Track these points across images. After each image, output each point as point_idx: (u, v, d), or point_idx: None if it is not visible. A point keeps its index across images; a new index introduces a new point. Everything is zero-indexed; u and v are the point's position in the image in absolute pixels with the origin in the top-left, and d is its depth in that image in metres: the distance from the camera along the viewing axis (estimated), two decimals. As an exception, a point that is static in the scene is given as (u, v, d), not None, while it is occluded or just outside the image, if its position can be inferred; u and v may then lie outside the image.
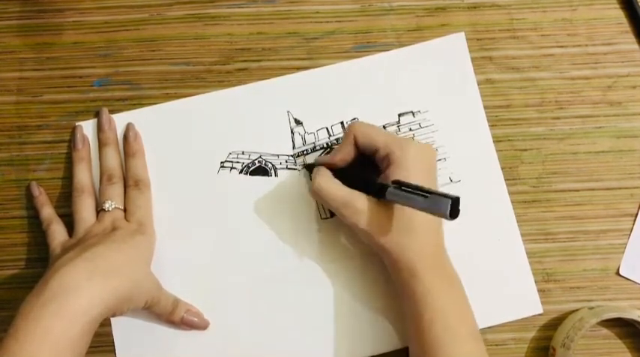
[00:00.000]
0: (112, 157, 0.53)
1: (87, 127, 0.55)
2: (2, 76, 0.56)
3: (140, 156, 0.54)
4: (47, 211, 0.53)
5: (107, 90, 0.55)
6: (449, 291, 0.47)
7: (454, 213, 0.41)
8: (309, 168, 0.54)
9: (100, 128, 0.54)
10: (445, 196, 0.41)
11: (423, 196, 0.42)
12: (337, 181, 0.49)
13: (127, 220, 0.51)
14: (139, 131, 0.54)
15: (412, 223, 0.47)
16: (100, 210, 0.52)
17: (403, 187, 0.45)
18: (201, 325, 0.52)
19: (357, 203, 0.47)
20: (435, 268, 0.47)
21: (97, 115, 0.54)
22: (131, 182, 0.53)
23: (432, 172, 0.49)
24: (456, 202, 0.41)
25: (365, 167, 0.50)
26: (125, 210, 0.52)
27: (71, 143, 0.54)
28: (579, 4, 0.57)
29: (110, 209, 0.51)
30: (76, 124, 0.54)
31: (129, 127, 0.54)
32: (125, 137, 0.54)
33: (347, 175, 0.50)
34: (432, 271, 0.47)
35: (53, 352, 0.41)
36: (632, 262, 0.54)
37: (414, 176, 0.46)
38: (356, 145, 0.49)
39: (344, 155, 0.50)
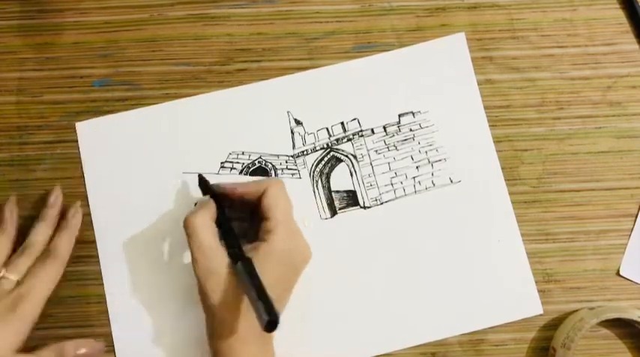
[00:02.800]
0: (41, 234, 0.50)
1: (87, 127, 0.55)
2: (2, 76, 0.56)
3: (70, 232, 0.51)
4: None
5: (107, 90, 0.55)
6: None
7: (269, 327, 0.41)
8: (203, 183, 0.52)
9: (46, 205, 0.52)
10: (269, 312, 0.41)
11: (257, 295, 0.42)
12: (212, 227, 0.48)
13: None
14: (137, 133, 0.54)
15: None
16: None
17: (250, 270, 0.44)
18: (97, 351, 0.49)
19: (214, 263, 0.46)
20: None
21: (50, 192, 0.52)
22: (44, 252, 0.49)
23: (290, 273, 0.48)
24: (271, 324, 0.41)
25: (254, 218, 0.49)
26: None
27: (1, 215, 0.51)
28: (579, 4, 0.57)
29: None
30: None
31: (73, 205, 0.52)
32: (64, 212, 0.52)
33: (234, 214, 0.50)
34: None
35: None
36: (632, 263, 0.54)
37: (271, 268, 0.46)
38: (259, 198, 0.48)
39: (245, 194, 0.49)
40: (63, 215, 0.52)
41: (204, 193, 0.51)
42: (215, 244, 0.47)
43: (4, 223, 0.51)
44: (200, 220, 0.47)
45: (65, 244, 0.50)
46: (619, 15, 0.56)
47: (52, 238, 0.51)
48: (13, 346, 0.45)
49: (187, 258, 0.53)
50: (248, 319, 0.45)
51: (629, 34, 0.56)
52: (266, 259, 0.46)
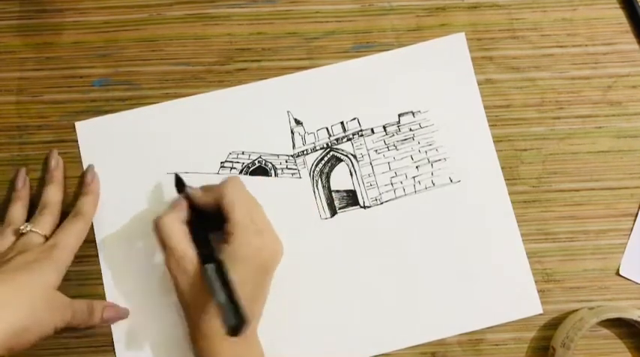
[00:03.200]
0: (53, 194, 0.52)
1: (86, 127, 0.55)
2: (2, 76, 0.56)
3: (92, 195, 0.53)
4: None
5: (107, 90, 0.55)
6: None
7: (233, 332, 0.41)
8: (178, 183, 0.51)
9: (47, 169, 0.53)
10: (237, 315, 0.41)
11: (226, 297, 0.42)
12: (183, 228, 0.48)
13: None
14: (137, 132, 0.54)
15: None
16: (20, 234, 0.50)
17: (221, 272, 0.44)
18: (122, 316, 0.51)
19: (186, 264, 0.47)
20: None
21: (48, 155, 0.54)
22: (71, 213, 0.52)
23: (258, 273, 0.47)
24: (236, 327, 0.41)
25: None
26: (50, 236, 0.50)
27: (15, 182, 0.53)
28: (579, 4, 0.57)
29: (25, 231, 0.49)
30: (20, 170, 0.54)
31: (88, 169, 0.54)
32: (82, 177, 0.54)
33: (203, 217, 0.49)
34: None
35: None
36: (632, 262, 0.54)
37: (235, 270, 0.45)
38: (218, 201, 0.48)
39: (205, 204, 0.49)
40: (82, 182, 0.54)
41: (179, 193, 0.51)
42: (183, 244, 0.47)
43: (18, 190, 0.53)
44: (167, 220, 0.48)
45: (88, 204, 0.52)
46: (619, 15, 0.56)
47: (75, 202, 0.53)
48: (54, 284, 0.47)
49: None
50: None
51: (629, 34, 0.56)
52: (228, 262, 0.46)
